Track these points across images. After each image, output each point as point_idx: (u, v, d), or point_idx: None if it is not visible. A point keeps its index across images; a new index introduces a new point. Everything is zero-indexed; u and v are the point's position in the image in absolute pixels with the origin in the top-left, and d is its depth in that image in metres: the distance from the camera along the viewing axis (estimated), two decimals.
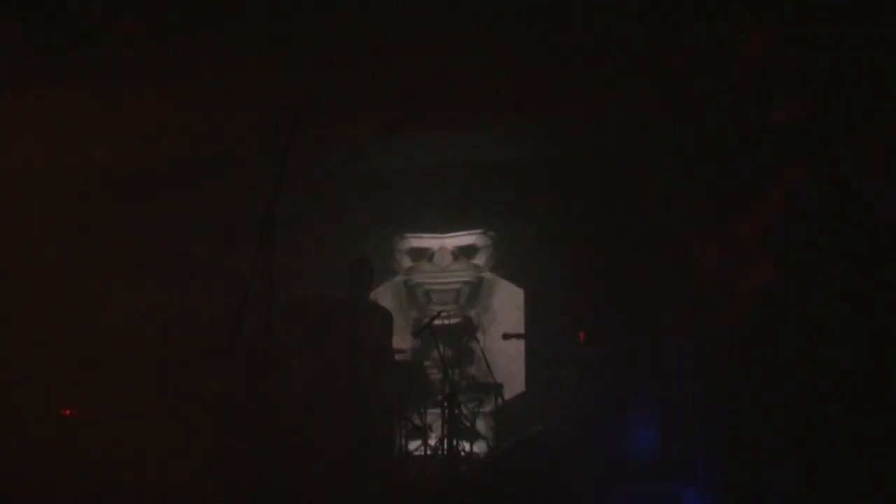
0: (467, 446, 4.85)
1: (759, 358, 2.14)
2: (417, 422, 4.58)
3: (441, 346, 4.61)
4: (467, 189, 5.77)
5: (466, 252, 6.13)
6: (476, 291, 6.09)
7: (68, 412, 4.95)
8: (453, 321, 5.81)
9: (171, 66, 4.93)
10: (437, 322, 4.74)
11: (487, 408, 5.46)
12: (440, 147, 5.33)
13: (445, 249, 6.17)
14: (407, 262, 6.25)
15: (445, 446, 4.43)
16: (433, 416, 4.77)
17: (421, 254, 6.23)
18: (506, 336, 5.53)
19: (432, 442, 4.64)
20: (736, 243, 2.22)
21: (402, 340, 5.51)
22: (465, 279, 6.10)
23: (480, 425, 5.41)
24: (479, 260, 6.10)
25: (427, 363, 5.38)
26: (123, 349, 5.13)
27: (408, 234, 6.28)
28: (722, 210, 2.28)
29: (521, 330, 5.83)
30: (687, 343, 2.41)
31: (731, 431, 2.21)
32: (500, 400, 5.26)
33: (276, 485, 3.75)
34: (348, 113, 4.67)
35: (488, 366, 5.14)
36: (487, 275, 6.09)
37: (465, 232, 6.13)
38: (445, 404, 4.50)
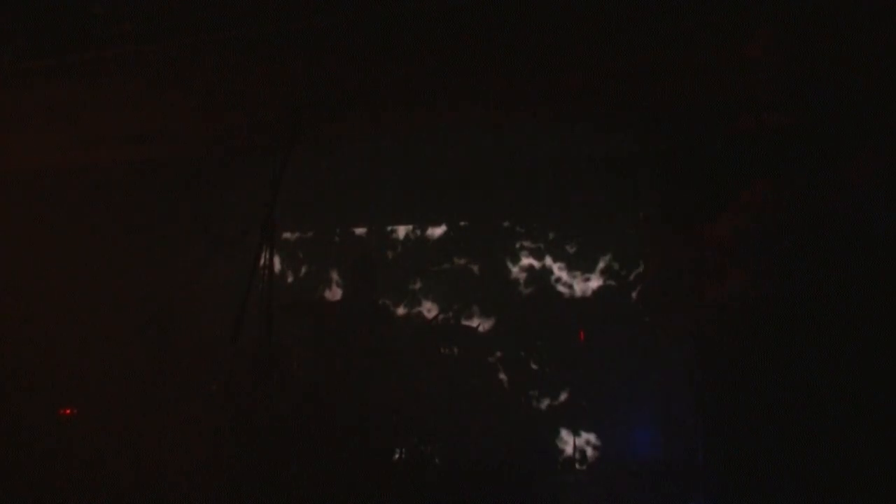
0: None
1: (729, 363, 2.17)
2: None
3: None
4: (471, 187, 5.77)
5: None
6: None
7: (68, 412, 4.95)
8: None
9: (171, 67, 4.93)
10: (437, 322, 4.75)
11: None
12: (445, 146, 5.33)
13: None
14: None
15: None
16: None
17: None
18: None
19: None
20: (708, 247, 2.25)
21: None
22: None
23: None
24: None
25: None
26: (124, 349, 5.13)
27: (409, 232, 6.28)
28: (694, 216, 2.31)
29: None
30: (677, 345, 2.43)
31: (719, 432, 2.23)
32: None
33: (276, 485, 3.75)
34: (348, 113, 4.67)
35: None
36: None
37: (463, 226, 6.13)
38: None
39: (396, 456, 4.58)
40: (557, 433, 5.46)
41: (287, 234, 6.47)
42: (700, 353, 2.26)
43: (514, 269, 5.95)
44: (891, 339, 2.11)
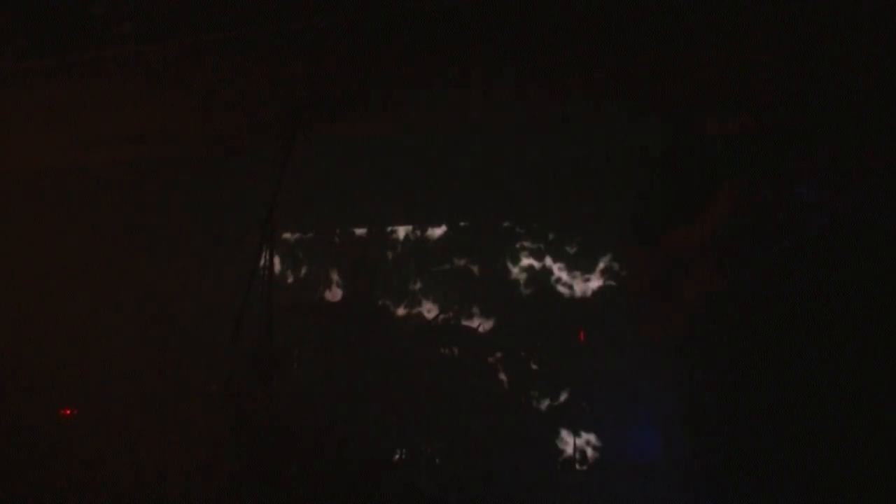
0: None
1: (704, 358, 2.19)
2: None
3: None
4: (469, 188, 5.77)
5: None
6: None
7: (68, 412, 4.95)
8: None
9: (171, 67, 4.93)
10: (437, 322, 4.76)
11: None
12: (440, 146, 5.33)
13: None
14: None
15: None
16: None
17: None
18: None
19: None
20: (676, 251, 2.28)
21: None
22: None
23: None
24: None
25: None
26: (123, 349, 5.13)
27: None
28: (664, 220, 2.36)
29: None
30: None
31: (718, 432, 2.26)
32: None
33: (276, 485, 3.75)
34: (348, 113, 4.66)
35: None
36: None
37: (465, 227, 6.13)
38: None
39: (396, 456, 4.58)
40: (557, 433, 5.46)
41: (287, 235, 6.47)
42: (698, 353, 2.27)
43: (514, 270, 5.95)
44: (890, 338, 2.12)
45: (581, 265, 5.79)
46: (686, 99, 3.92)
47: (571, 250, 5.83)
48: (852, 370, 2.14)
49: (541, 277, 5.86)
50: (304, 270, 6.49)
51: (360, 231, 6.36)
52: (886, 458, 2.12)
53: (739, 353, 2.19)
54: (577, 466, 5.09)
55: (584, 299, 5.73)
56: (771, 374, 2.14)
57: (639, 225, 2.51)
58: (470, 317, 5.92)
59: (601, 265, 5.73)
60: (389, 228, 6.29)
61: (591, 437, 5.41)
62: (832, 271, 2.15)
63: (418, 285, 6.14)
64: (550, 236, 5.89)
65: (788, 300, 2.15)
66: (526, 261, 5.93)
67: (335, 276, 6.37)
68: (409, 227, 6.25)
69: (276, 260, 6.12)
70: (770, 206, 2.15)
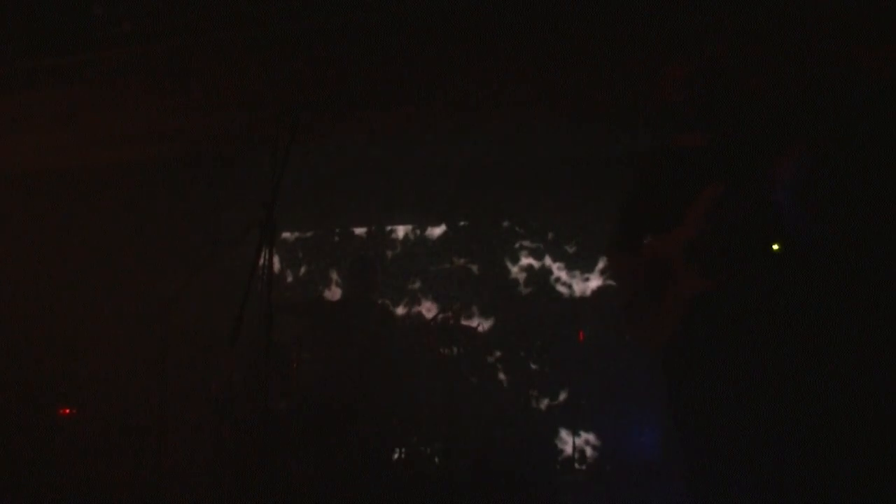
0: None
1: (693, 361, 2.23)
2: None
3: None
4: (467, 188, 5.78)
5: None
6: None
7: (68, 412, 4.95)
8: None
9: (171, 67, 4.93)
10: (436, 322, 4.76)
11: None
12: (439, 147, 5.33)
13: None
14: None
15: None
16: None
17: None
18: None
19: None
20: (660, 257, 2.34)
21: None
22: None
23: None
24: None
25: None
26: (123, 349, 5.13)
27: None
28: (645, 227, 2.42)
29: None
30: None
31: (683, 431, 2.30)
32: None
33: (276, 485, 3.76)
34: (348, 113, 4.67)
35: None
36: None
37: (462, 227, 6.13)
38: None
39: (396, 456, 4.59)
40: (557, 433, 5.46)
41: (287, 234, 6.47)
42: (688, 354, 2.30)
43: (514, 269, 5.95)
44: (879, 335, 2.15)
45: (580, 265, 5.79)
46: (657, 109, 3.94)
47: (571, 250, 5.84)
48: (843, 365, 2.17)
49: (540, 277, 5.86)
50: (303, 270, 6.50)
51: (360, 231, 6.37)
52: (884, 454, 2.14)
53: (727, 352, 2.22)
54: (577, 466, 5.10)
55: (583, 299, 5.74)
56: (761, 372, 2.16)
57: (624, 231, 2.57)
58: (470, 317, 5.92)
59: (600, 265, 5.73)
60: (389, 228, 6.29)
61: (591, 437, 5.41)
62: (813, 271, 2.20)
63: (418, 285, 6.14)
64: (550, 236, 5.89)
65: (769, 299, 2.18)
66: (525, 260, 5.93)
67: (335, 276, 6.38)
68: (409, 227, 6.26)
69: (276, 260, 6.13)
70: (745, 211, 2.20)
